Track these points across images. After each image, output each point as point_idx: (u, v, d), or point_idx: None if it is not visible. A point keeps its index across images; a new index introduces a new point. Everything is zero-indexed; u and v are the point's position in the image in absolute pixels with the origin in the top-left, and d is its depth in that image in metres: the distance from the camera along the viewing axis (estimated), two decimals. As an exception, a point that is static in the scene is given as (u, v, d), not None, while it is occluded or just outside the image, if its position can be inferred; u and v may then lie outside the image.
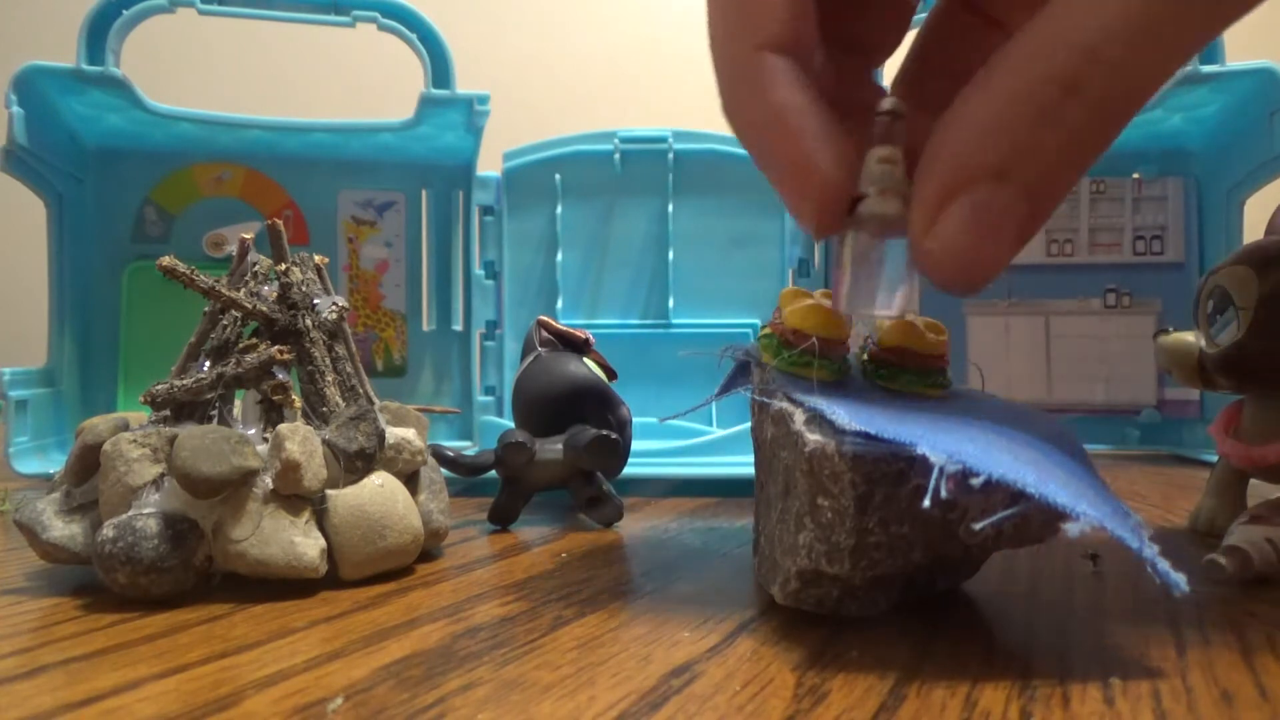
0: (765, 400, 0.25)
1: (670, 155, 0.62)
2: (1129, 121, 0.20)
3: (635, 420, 0.41)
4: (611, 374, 0.41)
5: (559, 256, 0.63)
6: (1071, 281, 0.66)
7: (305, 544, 0.26)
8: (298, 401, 0.30)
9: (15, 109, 0.51)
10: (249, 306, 0.31)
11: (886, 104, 0.22)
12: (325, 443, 0.28)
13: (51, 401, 0.55)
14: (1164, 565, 0.18)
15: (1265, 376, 0.31)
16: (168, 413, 0.30)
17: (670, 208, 0.62)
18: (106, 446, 0.27)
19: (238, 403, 0.31)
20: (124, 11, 0.54)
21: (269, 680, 0.19)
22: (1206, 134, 0.63)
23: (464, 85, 0.58)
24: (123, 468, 0.26)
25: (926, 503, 0.19)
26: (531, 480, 0.37)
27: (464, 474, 0.38)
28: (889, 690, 0.19)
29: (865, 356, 0.26)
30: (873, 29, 0.26)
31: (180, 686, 0.19)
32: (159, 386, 0.29)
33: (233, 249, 0.43)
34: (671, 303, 0.62)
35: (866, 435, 0.21)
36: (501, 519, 0.37)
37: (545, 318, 0.43)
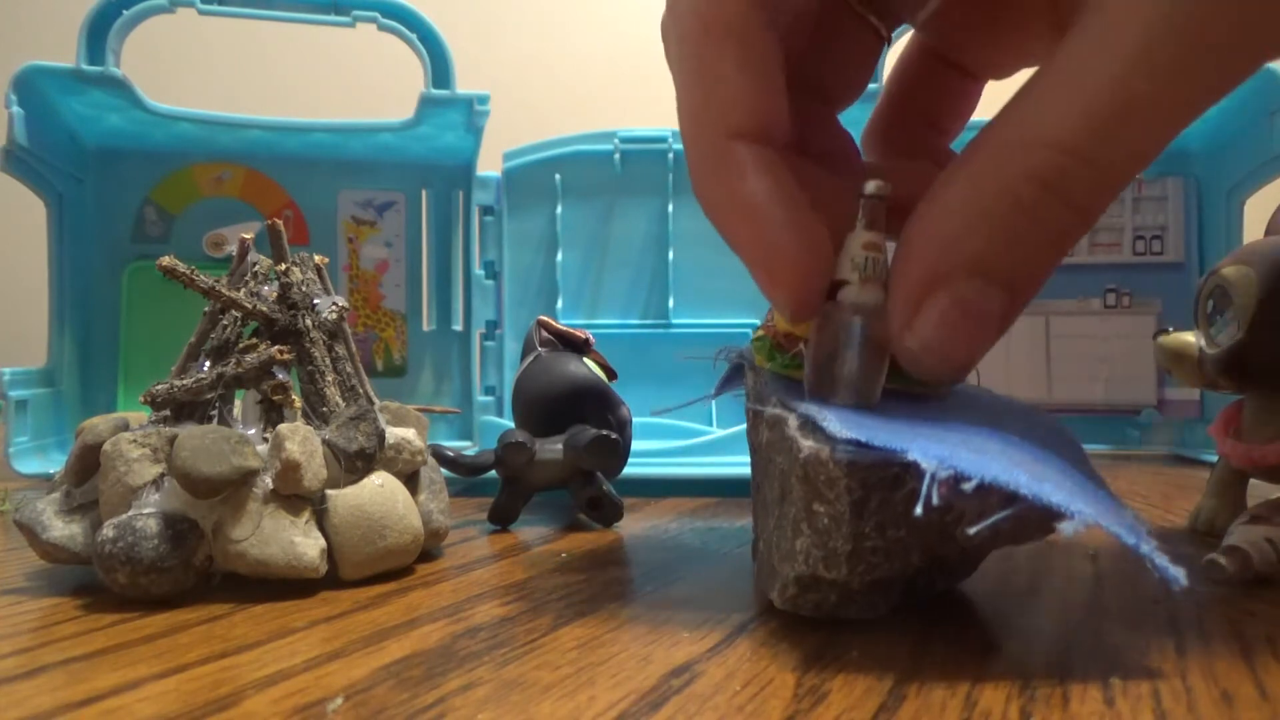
0: (759, 407, 0.25)
1: (670, 155, 0.62)
2: (1106, 209, 0.20)
3: (635, 420, 0.41)
4: (611, 374, 0.41)
5: (559, 256, 0.63)
6: (1071, 281, 0.66)
7: (305, 544, 0.26)
8: (298, 401, 0.30)
9: (15, 109, 0.51)
10: (249, 306, 0.31)
11: (871, 187, 0.22)
12: (325, 443, 0.28)
13: (51, 401, 0.55)
14: (1162, 560, 0.18)
15: (1265, 376, 0.31)
16: (168, 413, 0.30)
17: (670, 208, 0.62)
18: (106, 446, 0.27)
19: (238, 403, 0.31)
20: (124, 11, 0.54)
21: (269, 680, 0.19)
22: (1206, 134, 0.63)
23: (464, 85, 0.58)
24: (123, 468, 0.26)
25: (919, 510, 0.19)
26: (531, 480, 0.37)
27: (464, 474, 0.38)
28: (889, 690, 0.19)
29: None
30: (836, 75, 0.26)
31: (180, 686, 0.19)
32: (159, 386, 0.29)
33: (233, 249, 0.43)
34: (671, 303, 0.62)
35: (858, 443, 0.21)
36: (501, 519, 0.37)
37: (545, 318, 0.43)
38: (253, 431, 0.30)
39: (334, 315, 0.32)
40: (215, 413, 0.30)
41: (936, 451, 0.20)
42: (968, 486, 0.19)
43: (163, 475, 0.26)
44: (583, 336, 0.42)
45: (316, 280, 0.33)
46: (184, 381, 0.29)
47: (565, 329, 0.42)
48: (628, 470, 0.41)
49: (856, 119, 0.28)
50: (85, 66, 0.53)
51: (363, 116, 0.61)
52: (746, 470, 0.29)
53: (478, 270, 0.63)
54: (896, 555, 0.22)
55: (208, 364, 0.30)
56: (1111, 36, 0.18)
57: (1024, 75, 0.27)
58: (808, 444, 0.21)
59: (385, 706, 0.18)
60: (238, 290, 0.31)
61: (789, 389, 0.24)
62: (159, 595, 0.25)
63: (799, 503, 0.22)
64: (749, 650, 0.21)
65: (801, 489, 0.22)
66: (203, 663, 0.21)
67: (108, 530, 0.25)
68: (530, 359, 0.41)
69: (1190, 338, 0.34)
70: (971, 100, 0.29)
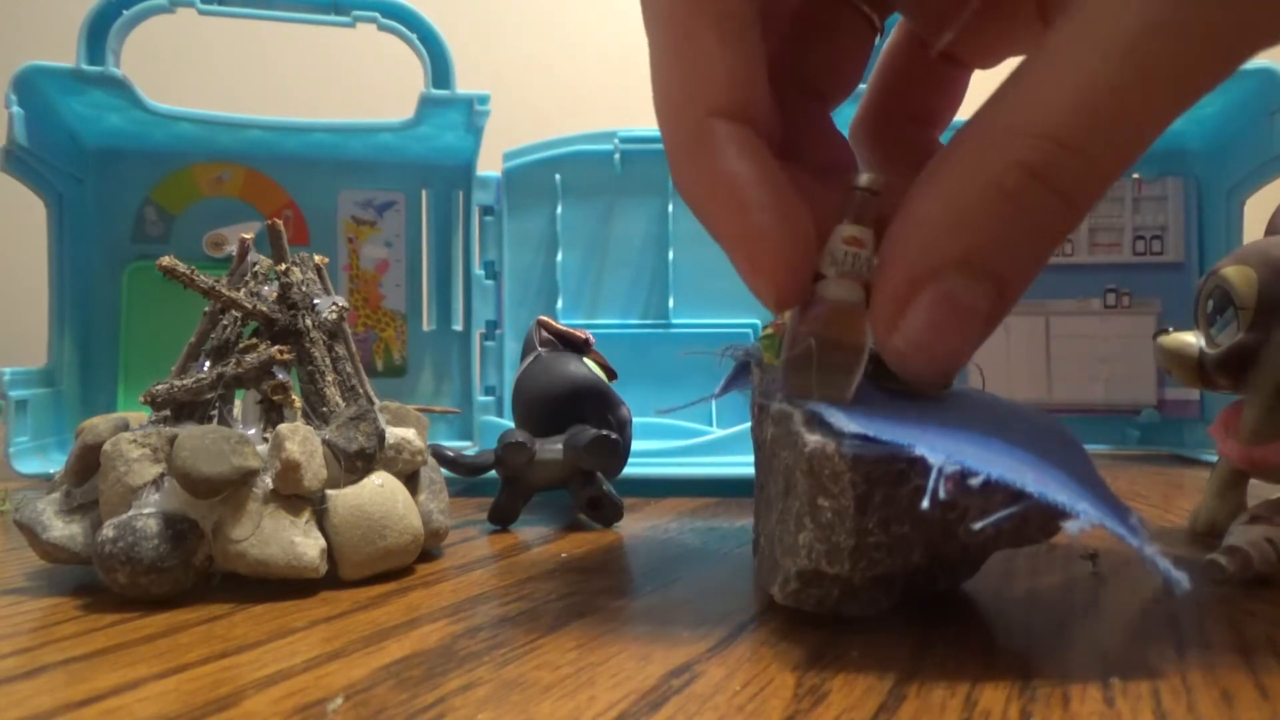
0: (765, 401, 0.25)
1: (670, 155, 0.62)
2: (1096, 203, 0.19)
3: (635, 420, 0.41)
4: (611, 374, 0.41)
5: (559, 256, 0.63)
6: (1071, 281, 0.66)
7: (305, 544, 0.26)
8: (298, 401, 0.30)
9: (15, 109, 0.51)
10: (249, 306, 0.31)
11: (863, 179, 0.21)
12: (325, 443, 0.28)
13: (51, 401, 0.55)
14: (1165, 563, 0.18)
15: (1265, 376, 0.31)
16: (168, 413, 0.30)
17: (670, 208, 0.62)
18: (106, 446, 0.27)
19: (238, 403, 0.31)
20: (124, 11, 0.54)
21: (269, 680, 0.19)
22: (1206, 134, 0.63)
23: (464, 85, 0.58)
24: (123, 468, 0.26)
25: (925, 504, 0.19)
26: (531, 480, 0.37)
27: (464, 474, 0.38)
28: (889, 690, 0.19)
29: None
30: (828, 71, 0.26)
31: (180, 686, 0.19)
32: (159, 386, 0.29)
33: (233, 249, 0.43)
34: (671, 303, 0.62)
35: (864, 437, 0.21)
36: (501, 519, 0.37)
37: (545, 318, 0.43)
38: (253, 431, 0.30)
39: (334, 315, 0.32)
40: (215, 413, 0.30)
41: (943, 447, 0.20)
42: (974, 482, 0.19)
43: (163, 475, 0.26)
44: (583, 336, 0.42)
45: (316, 280, 0.33)
46: (184, 381, 0.29)
47: (565, 329, 0.42)
48: (628, 470, 0.41)
49: (845, 119, 0.27)
50: (85, 66, 0.53)
51: (363, 116, 0.61)
52: (747, 470, 0.29)
53: (478, 270, 0.63)
54: (899, 551, 0.22)
55: (208, 364, 0.30)
56: (1101, 26, 0.18)
57: (1010, 65, 0.27)
58: (813, 438, 0.21)
59: (385, 706, 0.18)
60: (238, 290, 0.31)
61: None
62: (159, 595, 0.25)
63: (803, 497, 0.22)
64: (749, 650, 0.21)
65: (806, 483, 0.22)
66: (203, 663, 0.21)
67: (108, 530, 0.25)
68: (530, 359, 0.41)
69: (1190, 338, 0.34)
70: (959, 90, 0.28)
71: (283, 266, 0.32)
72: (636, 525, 0.37)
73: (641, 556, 0.32)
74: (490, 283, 0.64)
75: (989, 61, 0.27)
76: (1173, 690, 0.19)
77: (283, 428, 0.27)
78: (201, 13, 0.55)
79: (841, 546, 0.21)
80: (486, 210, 0.64)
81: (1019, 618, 0.24)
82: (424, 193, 0.64)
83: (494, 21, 1.42)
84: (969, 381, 0.35)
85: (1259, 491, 0.34)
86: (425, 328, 0.64)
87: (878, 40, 0.27)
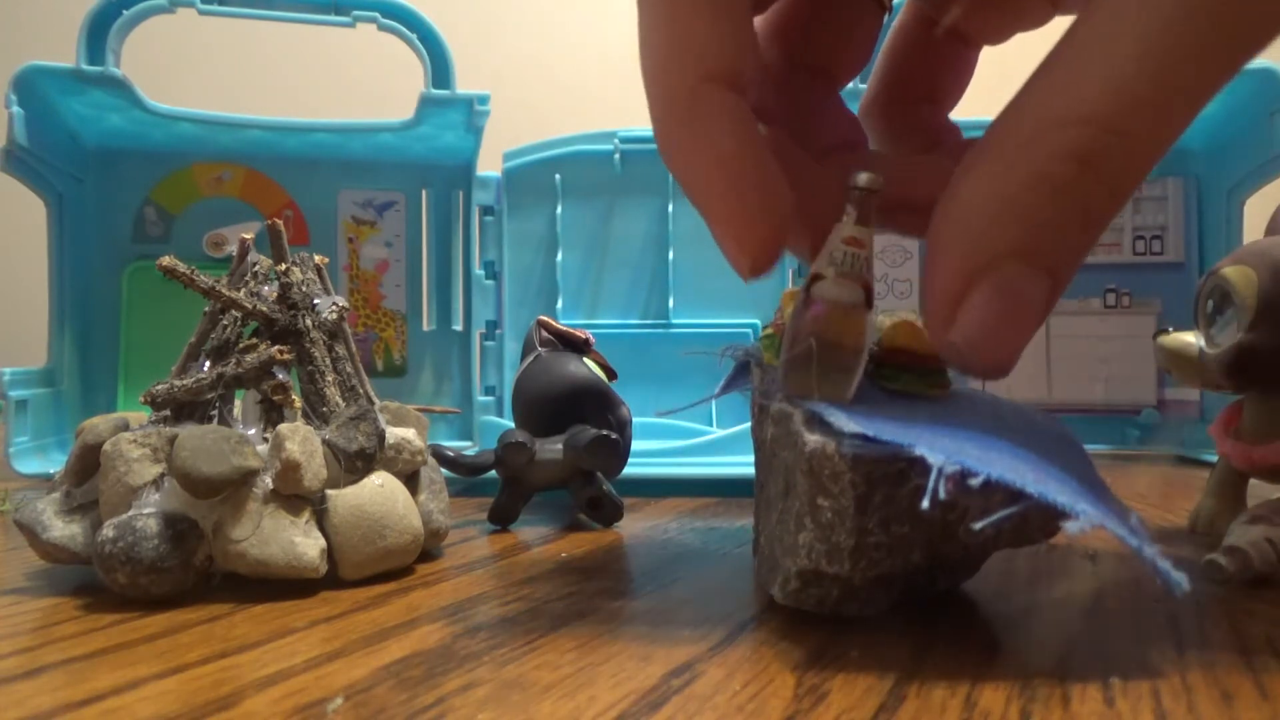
0: (765, 401, 0.25)
1: (670, 155, 0.62)
2: (1136, 190, 0.20)
3: (635, 420, 0.41)
4: (611, 374, 0.41)
5: (559, 256, 0.63)
6: (1072, 281, 0.66)
7: (305, 544, 0.26)
8: (298, 401, 0.30)
9: (15, 109, 0.51)
10: (249, 306, 0.31)
11: (862, 179, 0.21)
12: (325, 443, 0.28)
13: (51, 401, 0.55)
14: (1165, 565, 0.18)
15: (1265, 376, 0.31)
16: (168, 413, 0.30)
17: (670, 208, 0.62)
18: (106, 446, 0.27)
19: (238, 403, 0.31)
20: (124, 11, 0.54)
21: (269, 680, 0.19)
22: (1206, 134, 0.63)
23: (464, 85, 0.58)
24: (123, 468, 0.26)
25: (925, 504, 0.19)
26: (531, 480, 0.37)
27: (464, 474, 0.38)
28: (889, 690, 0.19)
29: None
30: (836, 50, 0.26)
31: (180, 686, 0.19)
32: (159, 386, 0.29)
33: (233, 249, 0.43)
34: (671, 303, 0.62)
35: (865, 437, 0.21)
36: (501, 519, 0.37)
37: (545, 318, 0.43)
38: (253, 431, 0.30)
39: (334, 315, 0.32)
40: (215, 413, 0.30)
41: (944, 447, 0.20)
42: (974, 482, 0.19)
43: (163, 475, 0.26)
44: (583, 336, 0.42)
45: (316, 280, 0.33)
46: (184, 381, 0.29)
47: (565, 329, 0.42)
48: (628, 470, 0.41)
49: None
50: (85, 66, 0.53)
51: (363, 116, 0.61)
52: (747, 470, 0.29)
53: (478, 270, 0.63)
54: (899, 551, 0.22)
55: (208, 364, 0.30)
56: (1134, 9, 0.18)
57: (1016, 47, 0.27)
58: (814, 438, 0.21)
59: (385, 706, 0.18)
60: (238, 290, 0.31)
61: None
62: (159, 595, 0.25)
63: (803, 497, 0.22)
64: (749, 650, 0.21)
65: (806, 483, 0.22)
66: (203, 663, 0.21)
67: (108, 530, 0.25)
68: (530, 359, 0.41)
69: (1190, 338, 0.34)
70: (968, 68, 0.28)
71: (283, 266, 0.32)
72: (636, 525, 0.37)
73: (641, 556, 0.32)
74: (490, 283, 0.64)
75: (996, 38, 0.27)
76: (1173, 690, 0.19)
77: (283, 428, 0.27)
78: (201, 13, 0.55)
79: (841, 546, 0.21)
80: (486, 210, 0.64)
81: (1019, 618, 0.24)
82: (424, 193, 0.64)
83: (494, 21, 1.42)
84: (969, 382, 0.35)
85: (1259, 491, 0.34)
86: (425, 328, 0.64)
87: (886, 19, 0.26)
